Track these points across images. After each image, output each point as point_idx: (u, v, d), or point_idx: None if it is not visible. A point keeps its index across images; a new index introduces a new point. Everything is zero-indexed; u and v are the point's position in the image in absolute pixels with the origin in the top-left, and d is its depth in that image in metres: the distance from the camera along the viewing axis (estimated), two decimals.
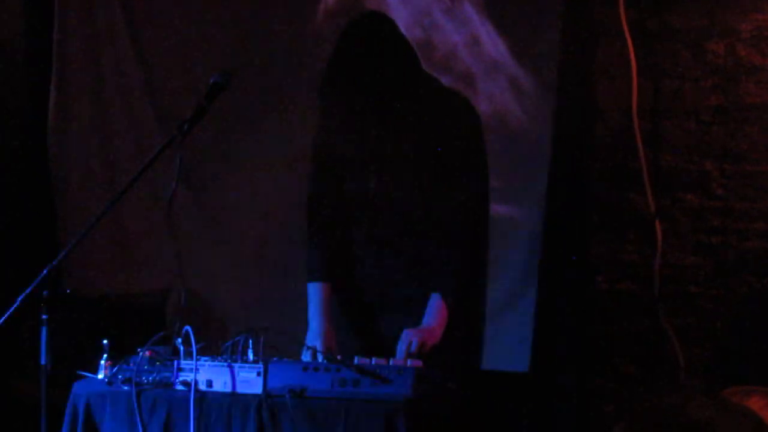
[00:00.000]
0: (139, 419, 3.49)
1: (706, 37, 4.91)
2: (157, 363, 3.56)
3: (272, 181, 5.14)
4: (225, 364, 3.51)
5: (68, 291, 4.81)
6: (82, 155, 5.35)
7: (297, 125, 4.88)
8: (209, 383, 3.50)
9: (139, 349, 3.59)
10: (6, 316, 3.49)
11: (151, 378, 3.56)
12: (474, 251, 4.13)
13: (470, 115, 4.16)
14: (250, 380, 3.48)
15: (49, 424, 3.57)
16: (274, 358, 3.60)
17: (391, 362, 3.68)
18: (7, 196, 5.28)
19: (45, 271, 3.49)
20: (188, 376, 3.50)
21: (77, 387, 3.64)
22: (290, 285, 4.64)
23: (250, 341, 3.55)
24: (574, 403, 4.98)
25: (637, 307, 4.97)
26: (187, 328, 3.56)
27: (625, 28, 4.87)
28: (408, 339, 3.88)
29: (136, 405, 3.49)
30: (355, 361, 3.60)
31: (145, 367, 3.56)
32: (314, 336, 4.05)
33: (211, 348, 3.62)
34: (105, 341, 3.62)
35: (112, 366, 3.60)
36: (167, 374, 3.55)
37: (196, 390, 3.49)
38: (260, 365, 3.49)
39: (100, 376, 3.61)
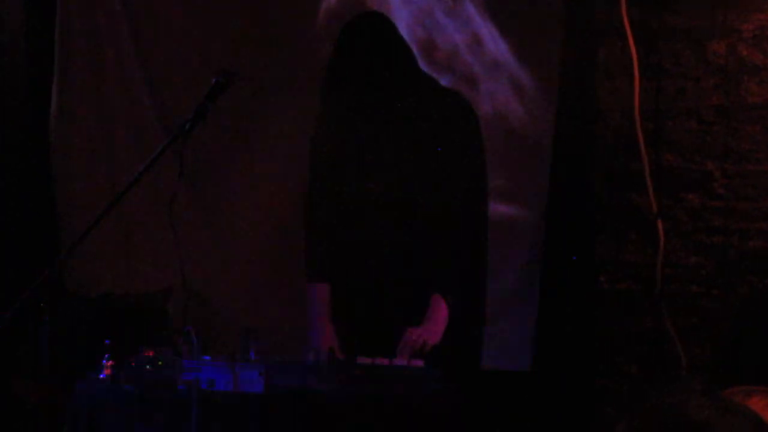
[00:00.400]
0: (141, 419, 3.49)
1: (707, 36, 4.91)
2: (159, 363, 3.56)
3: (273, 180, 5.14)
4: (227, 363, 3.51)
5: (70, 291, 4.82)
6: (84, 154, 5.34)
7: (298, 125, 4.88)
8: (211, 383, 3.50)
9: (141, 349, 3.59)
10: (8, 315, 3.49)
11: (153, 378, 3.56)
12: (473, 251, 4.14)
13: (468, 115, 4.16)
14: (252, 380, 3.48)
15: (51, 425, 3.58)
16: (276, 358, 3.60)
17: (393, 362, 3.69)
18: (8, 194, 5.28)
19: (46, 271, 3.49)
20: (190, 376, 3.50)
21: (79, 387, 3.64)
22: (291, 284, 4.64)
23: (252, 341, 3.55)
24: (576, 403, 4.97)
25: (639, 307, 4.96)
26: (189, 327, 3.56)
27: (627, 27, 4.87)
28: (409, 339, 3.88)
29: (138, 405, 3.49)
30: (357, 361, 3.60)
31: (147, 366, 3.56)
32: (316, 336, 4.05)
33: (212, 348, 3.63)
34: (107, 341, 3.62)
35: (114, 366, 3.60)
36: (169, 374, 3.55)
37: (198, 390, 3.49)
38: (262, 365, 3.49)
39: (102, 376, 3.61)
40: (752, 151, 4.92)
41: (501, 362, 4.94)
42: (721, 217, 4.93)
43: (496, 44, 4.99)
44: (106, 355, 3.62)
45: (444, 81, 4.78)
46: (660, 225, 4.91)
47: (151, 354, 3.56)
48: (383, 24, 4.05)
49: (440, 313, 3.99)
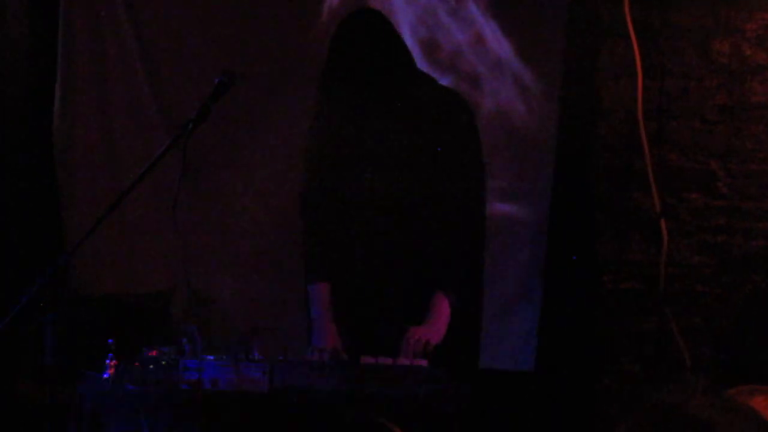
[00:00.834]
0: (144, 419, 3.49)
1: (711, 36, 4.91)
2: (163, 362, 3.56)
3: (275, 180, 5.14)
4: (230, 363, 3.51)
5: (73, 291, 4.81)
6: (87, 154, 5.34)
7: (300, 124, 4.88)
8: (214, 382, 3.50)
9: (144, 348, 3.59)
10: (11, 315, 3.49)
11: (156, 377, 3.56)
12: (472, 249, 4.13)
13: (466, 113, 4.15)
14: (255, 379, 3.48)
15: (54, 424, 3.57)
16: (280, 357, 3.60)
17: (396, 362, 3.68)
18: (11, 195, 5.28)
19: (50, 271, 3.49)
20: (194, 376, 3.50)
21: (82, 387, 3.64)
22: (293, 284, 4.64)
23: (256, 341, 3.56)
24: (579, 403, 4.97)
25: (643, 307, 4.96)
26: (192, 327, 3.56)
27: (630, 27, 4.87)
28: (412, 338, 3.88)
29: (141, 404, 3.49)
30: (361, 360, 3.60)
31: (151, 366, 3.56)
32: (319, 336, 4.05)
33: (215, 347, 3.62)
34: (110, 340, 3.62)
35: (118, 365, 3.60)
36: (172, 373, 3.55)
37: (202, 389, 3.49)
38: (266, 364, 3.49)
39: (106, 375, 3.61)
40: (756, 151, 4.92)
41: (504, 362, 4.94)
42: (724, 216, 4.93)
43: (499, 44, 4.99)
44: (110, 355, 3.62)
45: (447, 80, 4.78)
46: (663, 224, 4.91)
47: (154, 354, 3.56)
48: (379, 21, 4.04)
49: (443, 311, 3.99)
